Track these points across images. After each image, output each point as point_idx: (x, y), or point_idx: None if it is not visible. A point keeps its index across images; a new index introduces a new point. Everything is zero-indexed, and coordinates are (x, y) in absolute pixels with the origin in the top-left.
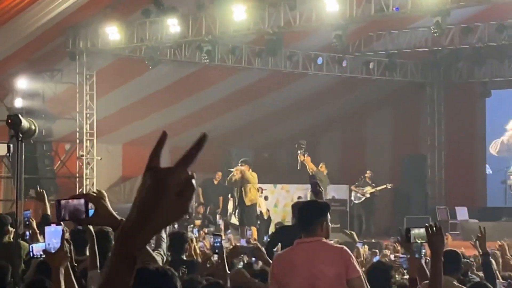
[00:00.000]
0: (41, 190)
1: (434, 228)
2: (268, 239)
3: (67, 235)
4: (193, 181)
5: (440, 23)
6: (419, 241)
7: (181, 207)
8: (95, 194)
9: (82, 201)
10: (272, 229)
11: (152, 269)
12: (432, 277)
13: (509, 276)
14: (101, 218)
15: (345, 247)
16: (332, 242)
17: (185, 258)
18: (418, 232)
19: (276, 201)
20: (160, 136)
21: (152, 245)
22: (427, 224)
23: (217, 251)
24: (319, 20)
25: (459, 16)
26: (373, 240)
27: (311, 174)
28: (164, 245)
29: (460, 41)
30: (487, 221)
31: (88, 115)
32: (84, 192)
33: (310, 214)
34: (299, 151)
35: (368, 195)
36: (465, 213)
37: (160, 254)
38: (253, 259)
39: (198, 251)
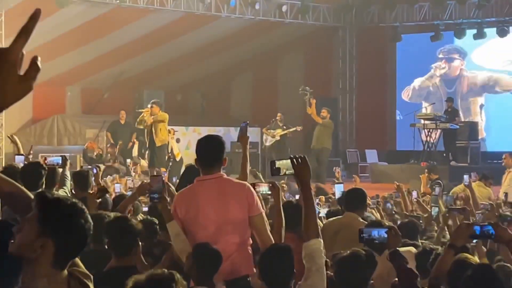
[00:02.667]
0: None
1: (299, 159)
2: (178, 180)
3: None
4: (38, 62)
5: None
6: (287, 172)
7: (24, 84)
8: None
9: None
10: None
11: (68, 202)
12: (305, 205)
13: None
14: None
15: (248, 184)
16: (233, 178)
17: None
18: (285, 163)
19: (188, 143)
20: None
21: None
22: (291, 156)
23: None
24: None
25: None
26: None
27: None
28: (68, 183)
29: None
30: (396, 163)
31: None
32: None
33: (210, 150)
34: (305, 97)
35: (278, 138)
36: (375, 156)
37: (65, 192)
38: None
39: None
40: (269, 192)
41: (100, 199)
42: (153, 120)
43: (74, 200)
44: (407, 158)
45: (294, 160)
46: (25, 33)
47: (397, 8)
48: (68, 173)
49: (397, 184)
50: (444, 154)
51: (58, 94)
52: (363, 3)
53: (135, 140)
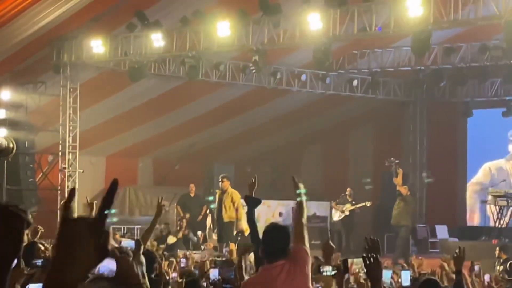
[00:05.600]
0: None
1: (372, 259)
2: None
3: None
4: (110, 238)
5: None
6: (359, 271)
7: (101, 252)
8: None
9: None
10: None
11: None
12: None
13: None
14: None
15: (309, 276)
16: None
17: (153, 277)
18: (357, 261)
19: (257, 216)
20: (69, 192)
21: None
22: (364, 255)
23: None
24: (303, 37)
25: (442, 36)
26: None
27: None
28: (144, 268)
29: (442, 61)
30: (466, 240)
31: (71, 128)
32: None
33: (276, 242)
34: (392, 168)
35: (347, 213)
36: (445, 232)
37: None
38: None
39: (167, 269)
40: (333, 273)
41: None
42: (223, 198)
43: None
44: (478, 234)
45: (367, 259)
46: (106, 204)
47: (468, 83)
48: (142, 257)
49: (442, 262)
50: None
51: (130, 165)
52: (434, 78)
53: (207, 212)
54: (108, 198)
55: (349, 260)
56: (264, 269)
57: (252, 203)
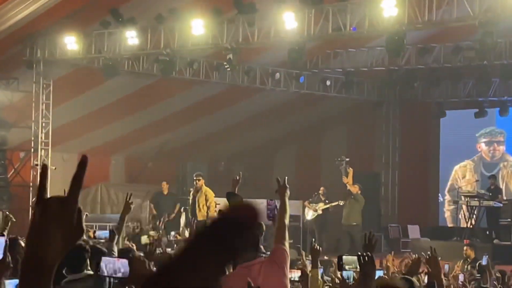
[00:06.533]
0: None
1: (366, 257)
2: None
3: None
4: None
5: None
6: (351, 269)
7: (77, 231)
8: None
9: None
10: None
11: None
12: None
13: None
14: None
15: (287, 278)
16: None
17: None
18: (351, 259)
19: None
20: (41, 171)
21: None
22: (359, 253)
23: None
24: (277, 36)
25: (416, 37)
26: (325, 257)
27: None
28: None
29: (416, 61)
30: (438, 240)
31: (43, 124)
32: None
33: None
34: (341, 167)
35: (320, 212)
36: (417, 232)
37: None
38: None
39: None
40: (297, 280)
41: None
42: (197, 196)
43: None
44: (450, 234)
45: (361, 258)
46: (77, 182)
47: (441, 84)
48: (115, 248)
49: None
50: (487, 232)
51: (103, 162)
52: (407, 78)
53: (181, 210)
54: (78, 175)
55: (344, 257)
56: (241, 267)
57: (233, 200)
